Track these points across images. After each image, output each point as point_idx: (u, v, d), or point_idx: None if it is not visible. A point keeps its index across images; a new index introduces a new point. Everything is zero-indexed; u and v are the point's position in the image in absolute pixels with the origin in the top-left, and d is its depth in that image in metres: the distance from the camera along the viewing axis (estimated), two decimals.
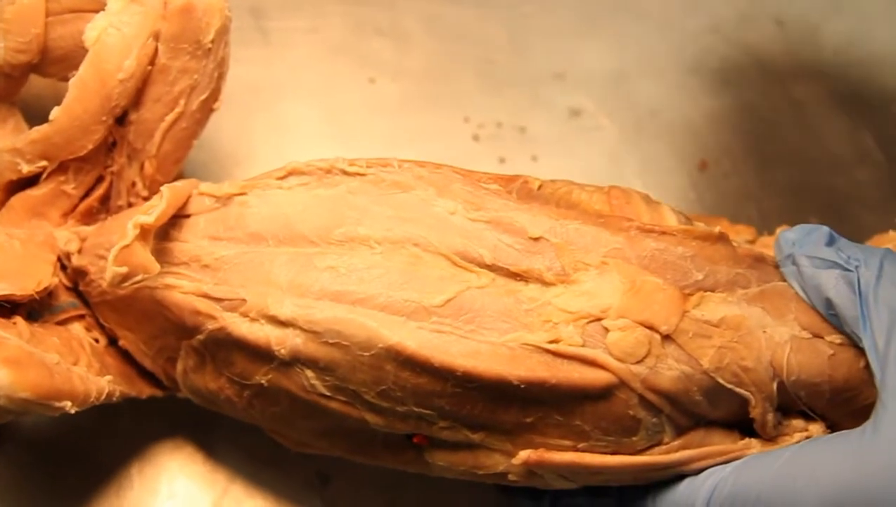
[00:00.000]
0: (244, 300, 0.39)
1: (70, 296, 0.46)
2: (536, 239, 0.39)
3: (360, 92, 0.61)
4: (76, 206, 0.47)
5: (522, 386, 0.37)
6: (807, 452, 0.37)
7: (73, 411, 0.39)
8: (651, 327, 0.38)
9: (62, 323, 0.45)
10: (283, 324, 0.39)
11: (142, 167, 0.47)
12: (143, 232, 0.39)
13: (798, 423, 0.41)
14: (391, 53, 0.63)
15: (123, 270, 0.38)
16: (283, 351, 0.39)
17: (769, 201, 0.61)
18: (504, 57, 0.64)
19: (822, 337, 0.39)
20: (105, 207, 0.48)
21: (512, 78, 0.63)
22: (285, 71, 0.61)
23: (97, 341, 0.46)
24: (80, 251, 0.46)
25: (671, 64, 0.65)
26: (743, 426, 0.40)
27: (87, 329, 0.46)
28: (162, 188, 0.41)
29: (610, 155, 0.61)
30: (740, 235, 0.48)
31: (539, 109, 0.62)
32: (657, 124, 0.63)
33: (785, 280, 0.41)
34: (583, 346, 0.38)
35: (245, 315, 0.39)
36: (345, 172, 0.42)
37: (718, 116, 0.63)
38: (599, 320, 0.38)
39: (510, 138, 0.61)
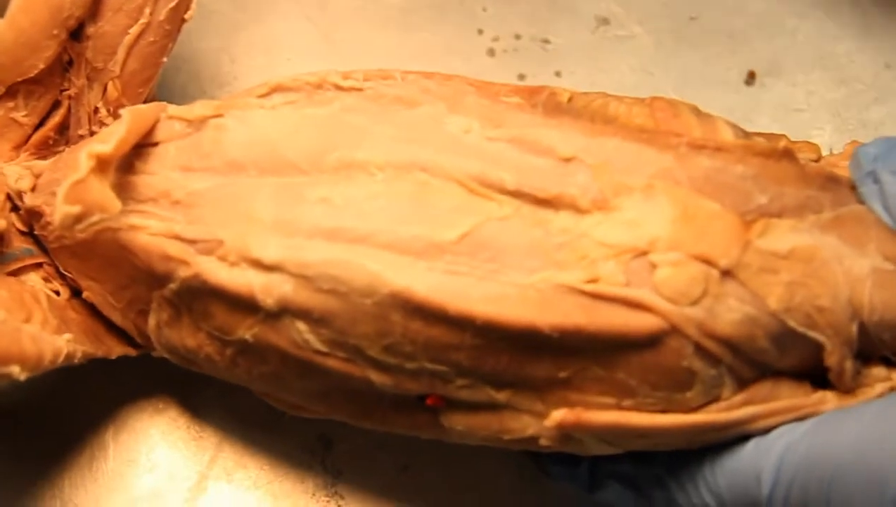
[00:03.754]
0: (222, 242, 0.37)
1: (25, 242, 0.43)
2: (568, 159, 0.36)
3: (357, 3, 0.58)
4: (29, 136, 0.44)
5: (555, 335, 0.35)
6: (894, 410, 0.34)
7: (22, 378, 0.36)
8: (707, 262, 0.35)
9: (15, 273, 0.42)
10: (269, 268, 0.36)
11: (104, 90, 0.44)
12: (100, 163, 0.35)
13: (879, 371, 0.38)
14: None
15: (76, 209, 0.34)
16: (269, 300, 0.36)
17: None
18: None
19: None
20: (63, 137, 0.45)
21: None
22: None
23: (57, 293, 0.43)
24: (33, 189, 0.43)
25: None
26: (815, 376, 0.37)
27: (46, 280, 0.43)
28: (122, 111, 0.38)
29: (644, 68, 0.58)
30: (802, 153, 0.45)
31: (562, 18, 0.59)
32: (697, 32, 0.59)
33: (864, 203, 0.38)
34: (626, 285, 0.35)
35: (223, 259, 0.37)
36: (338, 87, 0.40)
37: (767, 19, 0.60)
38: (646, 253, 0.35)
39: (530, 52, 0.58)
